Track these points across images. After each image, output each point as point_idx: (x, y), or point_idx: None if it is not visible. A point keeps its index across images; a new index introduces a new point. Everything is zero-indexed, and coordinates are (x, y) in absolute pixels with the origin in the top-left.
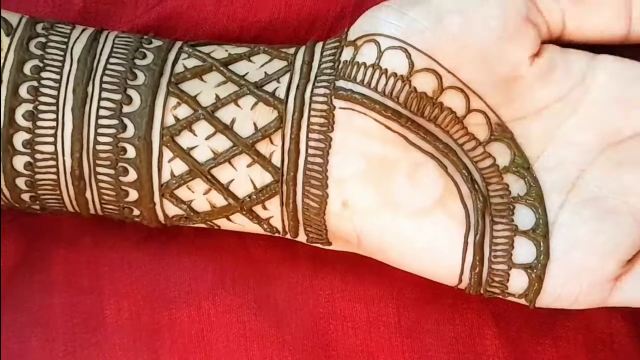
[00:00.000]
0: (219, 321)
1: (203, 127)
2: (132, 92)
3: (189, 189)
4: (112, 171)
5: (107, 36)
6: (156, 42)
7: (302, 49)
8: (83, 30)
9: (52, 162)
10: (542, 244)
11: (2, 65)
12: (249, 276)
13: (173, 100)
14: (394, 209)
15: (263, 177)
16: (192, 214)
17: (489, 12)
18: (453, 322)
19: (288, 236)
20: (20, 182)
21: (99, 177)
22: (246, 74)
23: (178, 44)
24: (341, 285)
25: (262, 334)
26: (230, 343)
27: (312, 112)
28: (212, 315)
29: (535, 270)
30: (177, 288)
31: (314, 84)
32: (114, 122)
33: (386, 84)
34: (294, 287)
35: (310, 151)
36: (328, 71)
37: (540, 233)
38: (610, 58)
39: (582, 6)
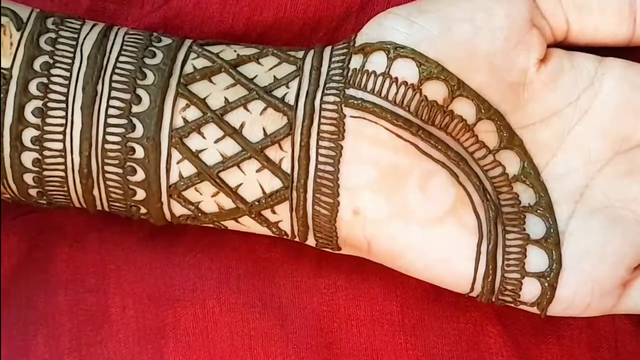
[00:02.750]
0: (224, 320)
1: (212, 130)
2: (141, 92)
3: (197, 190)
4: (120, 170)
5: (117, 33)
6: (165, 40)
7: (311, 53)
8: (93, 26)
9: (61, 160)
10: (554, 252)
11: (12, 60)
12: (254, 275)
13: (182, 102)
14: (405, 218)
15: (272, 183)
16: (199, 214)
17: (496, 21)
18: (457, 320)
19: (297, 239)
20: (28, 177)
21: (107, 175)
22: (255, 77)
23: (187, 42)
24: (345, 283)
25: (266, 332)
26: (235, 341)
27: (322, 120)
28: (217, 314)
29: (548, 279)
30: (182, 286)
31: (323, 91)
32: (123, 121)
33: (397, 92)
34: (298, 285)
35: (321, 159)
36: (337, 78)
37: (552, 242)
38: (618, 62)
39: (584, 10)
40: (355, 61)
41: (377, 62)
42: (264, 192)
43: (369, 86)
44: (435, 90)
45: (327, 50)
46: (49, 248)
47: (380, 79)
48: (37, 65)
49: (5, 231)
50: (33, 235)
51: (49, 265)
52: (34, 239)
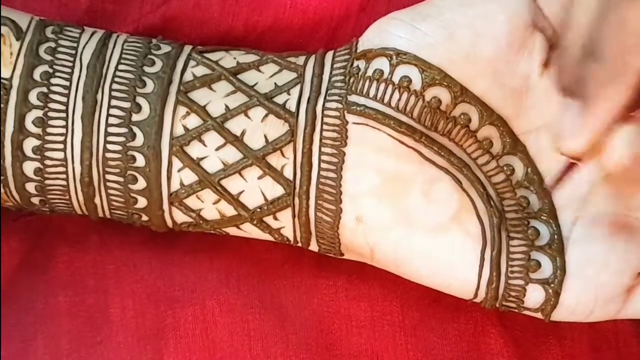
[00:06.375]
0: (223, 320)
1: (213, 138)
2: (141, 101)
3: (199, 198)
4: (121, 179)
5: (116, 40)
6: (165, 48)
7: (312, 59)
8: (92, 34)
9: (62, 169)
10: (558, 259)
11: (12, 70)
12: (254, 275)
13: (182, 110)
14: (408, 225)
15: (274, 190)
16: (200, 221)
17: (498, 27)
18: (457, 320)
19: (299, 245)
20: (30, 187)
21: (108, 184)
22: (255, 84)
23: (186, 50)
24: (345, 284)
25: (266, 333)
26: (234, 342)
27: (325, 127)
28: (217, 315)
29: (552, 285)
30: (182, 287)
31: (325, 98)
32: (123, 130)
33: (399, 99)
34: (299, 286)
35: (323, 165)
36: (339, 84)
37: (556, 248)
38: None
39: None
40: (357, 67)
41: (380, 68)
42: (265, 199)
43: (372, 92)
44: (438, 96)
45: (329, 56)
46: (49, 249)
47: (383, 85)
48: (37, 75)
49: (5, 232)
50: (33, 236)
51: (49, 267)
52: (34, 241)
